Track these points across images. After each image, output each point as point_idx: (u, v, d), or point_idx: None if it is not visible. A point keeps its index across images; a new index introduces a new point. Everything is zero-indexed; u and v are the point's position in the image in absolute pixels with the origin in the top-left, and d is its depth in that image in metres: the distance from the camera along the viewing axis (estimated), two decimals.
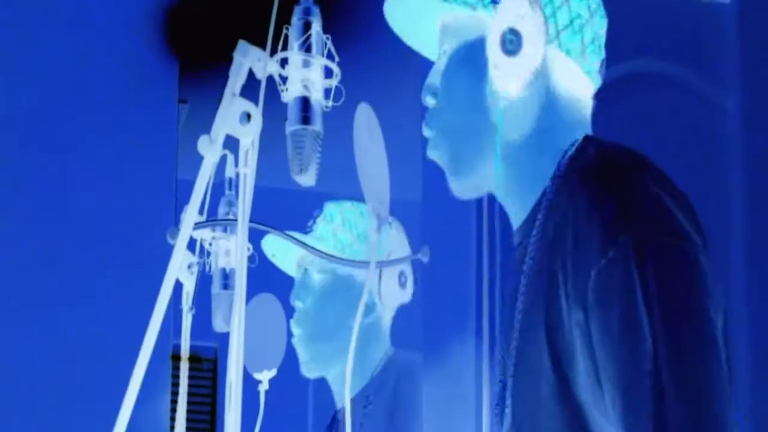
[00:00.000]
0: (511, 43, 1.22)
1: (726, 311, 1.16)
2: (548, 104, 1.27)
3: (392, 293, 2.10)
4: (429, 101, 1.34)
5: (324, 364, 2.19)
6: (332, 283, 2.17)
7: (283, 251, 2.20)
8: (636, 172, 1.16)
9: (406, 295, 2.13)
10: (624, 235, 1.10)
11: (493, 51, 1.23)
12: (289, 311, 2.21)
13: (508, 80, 1.23)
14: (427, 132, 1.34)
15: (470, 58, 1.29)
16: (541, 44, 1.21)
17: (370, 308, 2.12)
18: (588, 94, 1.31)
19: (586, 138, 1.27)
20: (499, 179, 1.28)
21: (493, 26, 1.23)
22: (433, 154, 1.34)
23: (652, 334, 1.07)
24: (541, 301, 1.18)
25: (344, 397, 2.16)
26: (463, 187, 1.34)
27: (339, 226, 2.15)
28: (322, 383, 2.25)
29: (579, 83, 1.29)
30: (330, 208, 2.18)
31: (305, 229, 2.18)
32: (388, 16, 1.38)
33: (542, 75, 1.25)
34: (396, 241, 2.09)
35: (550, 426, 1.17)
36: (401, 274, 2.10)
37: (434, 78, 1.34)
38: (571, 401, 1.15)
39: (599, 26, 1.30)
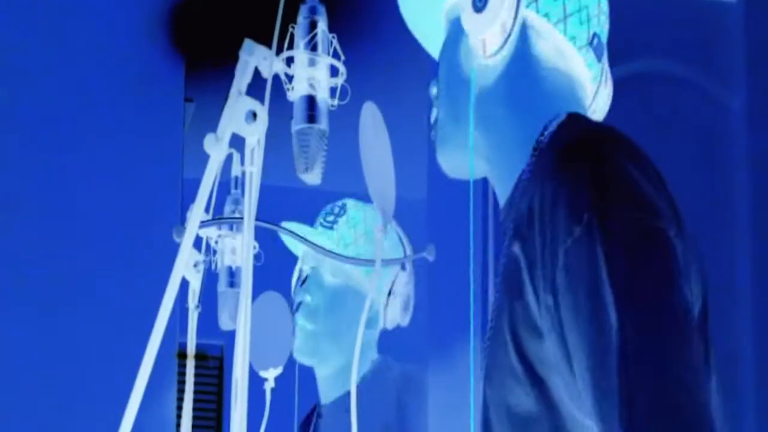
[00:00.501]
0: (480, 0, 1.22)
1: (705, 299, 1.11)
2: (528, 72, 1.25)
3: (395, 315, 2.13)
4: (432, 90, 1.34)
5: (320, 358, 2.20)
6: (344, 289, 2.18)
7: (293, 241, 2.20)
8: (606, 148, 1.11)
9: (405, 318, 2.16)
10: (588, 211, 1.05)
11: (465, 9, 1.23)
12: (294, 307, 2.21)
13: (479, 37, 1.22)
14: (434, 113, 1.34)
15: (459, 26, 1.28)
16: (511, 1, 1.20)
17: (374, 321, 2.14)
18: (579, 72, 1.27)
19: (571, 115, 1.23)
20: (476, 146, 1.25)
21: None
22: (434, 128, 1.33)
23: (618, 312, 1.01)
24: (511, 285, 1.15)
25: (329, 396, 2.21)
26: (447, 160, 1.32)
27: (361, 236, 2.16)
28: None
29: (565, 56, 1.26)
30: (353, 211, 2.19)
31: (324, 223, 2.18)
32: (402, 5, 1.38)
33: (521, 39, 1.24)
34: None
35: (517, 416, 1.13)
36: (408, 298, 2.13)
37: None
38: (537, 393, 1.11)
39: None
